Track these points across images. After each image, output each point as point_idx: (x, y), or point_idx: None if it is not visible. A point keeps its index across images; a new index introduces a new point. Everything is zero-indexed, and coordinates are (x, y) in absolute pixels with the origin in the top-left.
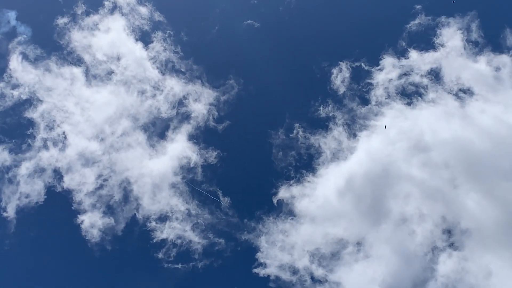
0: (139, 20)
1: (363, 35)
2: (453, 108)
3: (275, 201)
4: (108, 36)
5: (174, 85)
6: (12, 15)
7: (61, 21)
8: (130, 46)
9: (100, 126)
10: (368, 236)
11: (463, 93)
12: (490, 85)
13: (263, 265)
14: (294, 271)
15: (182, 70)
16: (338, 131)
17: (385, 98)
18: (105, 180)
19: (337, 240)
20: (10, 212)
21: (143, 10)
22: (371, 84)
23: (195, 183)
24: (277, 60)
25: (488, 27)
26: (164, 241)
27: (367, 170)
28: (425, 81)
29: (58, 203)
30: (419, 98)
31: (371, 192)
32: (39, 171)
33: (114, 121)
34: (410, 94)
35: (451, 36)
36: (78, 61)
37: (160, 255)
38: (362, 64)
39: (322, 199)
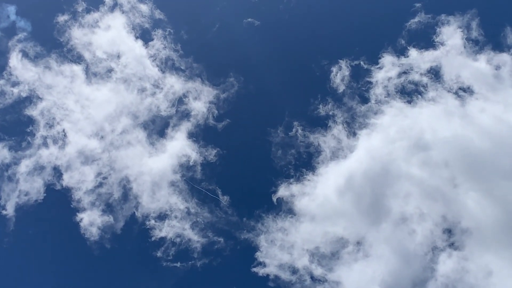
0: (139, 18)
1: (362, 33)
2: (453, 106)
3: (274, 199)
4: (108, 33)
5: (174, 83)
6: (11, 9)
7: (61, 18)
8: (130, 44)
9: (100, 124)
10: (368, 235)
11: (463, 91)
12: (490, 83)
13: (262, 264)
14: (294, 271)
15: (182, 68)
16: (337, 130)
17: (385, 97)
18: (104, 178)
19: (336, 239)
20: (9, 210)
21: (144, 8)
22: (370, 82)
23: (194, 181)
24: (277, 59)
25: (488, 25)
26: (163, 239)
27: (367, 169)
28: (425, 79)
29: (57, 201)
30: (419, 96)
31: (371, 191)
32: (39, 168)
33: (114, 119)
34: (410, 93)
35: (451, 35)
36: (78, 59)
37: (159, 254)
38: (362, 63)
39: (321, 198)
